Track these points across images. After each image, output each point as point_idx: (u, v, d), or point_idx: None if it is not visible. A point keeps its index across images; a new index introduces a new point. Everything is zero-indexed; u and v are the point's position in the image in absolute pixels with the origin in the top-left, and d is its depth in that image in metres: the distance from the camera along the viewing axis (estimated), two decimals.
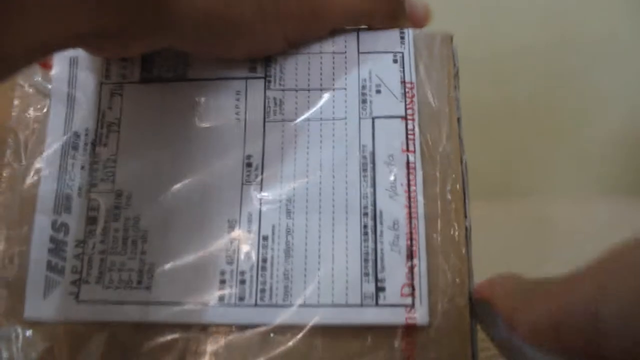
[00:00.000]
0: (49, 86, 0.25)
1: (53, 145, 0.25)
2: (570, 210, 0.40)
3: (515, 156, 0.51)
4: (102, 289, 0.23)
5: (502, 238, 0.38)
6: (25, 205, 0.24)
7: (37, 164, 0.25)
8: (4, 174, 0.25)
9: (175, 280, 0.23)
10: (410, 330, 0.21)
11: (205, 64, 0.25)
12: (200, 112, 0.25)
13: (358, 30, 0.25)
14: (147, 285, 0.23)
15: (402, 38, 0.25)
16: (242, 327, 0.22)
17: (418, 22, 0.25)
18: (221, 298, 0.22)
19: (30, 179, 0.25)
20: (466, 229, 0.23)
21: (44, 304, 0.23)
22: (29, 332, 0.23)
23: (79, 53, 0.26)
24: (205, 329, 0.22)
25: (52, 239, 0.24)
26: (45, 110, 0.25)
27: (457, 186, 0.23)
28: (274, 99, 0.25)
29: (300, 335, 0.22)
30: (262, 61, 0.25)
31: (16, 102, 0.25)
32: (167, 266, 0.23)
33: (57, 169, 0.24)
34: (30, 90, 0.26)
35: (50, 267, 0.23)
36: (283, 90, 0.25)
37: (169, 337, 0.22)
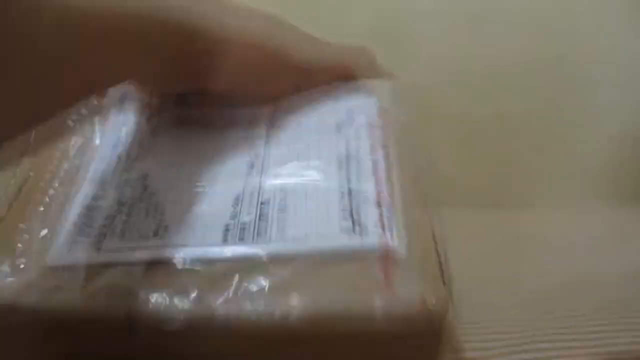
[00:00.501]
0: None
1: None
2: (564, 222, 0.40)
3: (508, 168, 0.50)
4: (121, 241, 0.27)
5: (495, 248, 0.38)
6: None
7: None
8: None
9: (185, 232, 0.28)
10: (385, 253, 0.26)
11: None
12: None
13: None
14: (161, 236, 0.27)
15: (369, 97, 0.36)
16: (239, 259, 0.26)
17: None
18: (225, 239, 0.27)
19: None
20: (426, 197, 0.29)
21: (67, 256, 0.27)
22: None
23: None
24: (207, 262, 0.26)
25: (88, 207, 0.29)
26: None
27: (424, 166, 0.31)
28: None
29: (296, 263, 0.26)
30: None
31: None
32: (179, 224, 0.28)
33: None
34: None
35: (80, 230, 0.28)
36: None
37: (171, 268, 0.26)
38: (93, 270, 0.26)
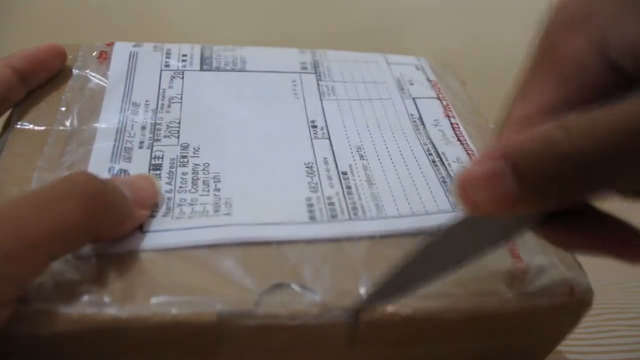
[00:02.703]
0: (105, 69, 0.26)
1: (109, 112, 0.24)
2: None
3: None
4: (172, 219, 0.21)
5: None
6: (78, 156, 0.22)
7: (91, 125, 0.24)
8: (53, 134, 0.23)
9: (258, 207, 0.21)
10: None
11: (260, 61, 0.28)
12: (260, 91, 0.27)
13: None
14: (226, 212, 0.21)
15: (418, 60, 0.31)
16: (337, 240, 0.21)
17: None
18: (312, 217, 0.21)
19: (82, 140, 0.23)
20: None
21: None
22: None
23: (139, 49, 0.27)
24: (297, 243, 0.20)
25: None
26: (102, 86, 0.25)
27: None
28: (326, 86, 0.28)
29: (400, 242, 0.21)
30: (312, 63, 0.29)
31: (75, 80, 0.26)
32: (248, 199, 0.22)
33: (114, 129, 0.24)
34: (88, 69, 0.26)
35: None
36: (333, 81, 0.28)
37: (257, 252, 0.20)
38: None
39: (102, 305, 0.17)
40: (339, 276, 0.19)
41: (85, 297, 0.17)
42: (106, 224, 0.18)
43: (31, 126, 0.23)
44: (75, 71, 0.26)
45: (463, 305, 0.19)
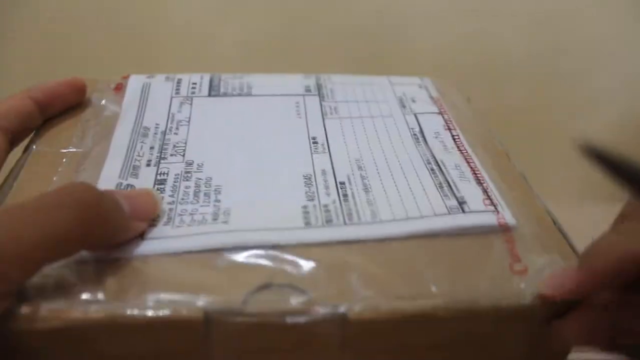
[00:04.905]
0: (120, 99, 0.28)
1: (121, 135, 0.26)
2: (559, 216, 0.39)
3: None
4: (172, 228, 0.21)
5: None
6: (89, 173, 0.24)
7: (104, 146, 0.25)
8: (67, 155, 0.25)
9: (255, 215, 0.22)
10: (504, 229, 0.22)
11: (266, 86, 0.30)
12: (264, 112, 0.28)
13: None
14: (224, 220, 0.22)
15: (421, 80, 0.32)
16: (330, 244, 0.21)
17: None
18: (307, 223, 0.22)
19: (94, 159, 0.25)
20: (519, 172, 0.25)
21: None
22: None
23: (151, 80, 0.29)
24: (289, 247, 0.21)
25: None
26: (116, 114, 0.27)
27: (499, 147, 0.27)
28: (329, 106, 0.29)
29: (399, 244, 0.21)
30: (315, 86, 0.30)
31: (92, 107, 0.28)
32: (245, 208, 0.22)
33: (124, 149, 0.25)
34: (104, 99, 0.28)
35: None
36: (335, 102, 0.29)
37: (251, 255, 0.20)
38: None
39: (94, 303, 0.18)
40: (331, 278, 0.19)
41: (79, 296, 0.18)
42: (100, 234, 0.19)
43: (48, 149, 0.25)
44: (92, 101, 0.28)
45: (457, 306, 0.19)
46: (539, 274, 0.20)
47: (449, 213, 0.22)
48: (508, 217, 0.22)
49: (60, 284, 0.18)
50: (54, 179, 0.23)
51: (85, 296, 0.18)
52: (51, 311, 0.17)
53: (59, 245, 0.17)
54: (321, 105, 0.29)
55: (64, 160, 0.24)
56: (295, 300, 0.18)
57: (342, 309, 0.18)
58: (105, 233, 0.19)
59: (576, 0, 0.54)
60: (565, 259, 0.21)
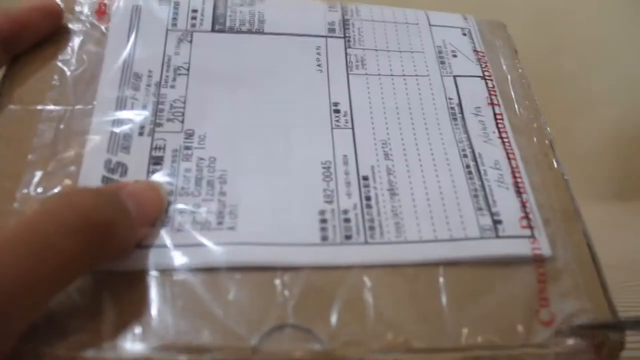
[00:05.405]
0: (104, 28, 0.23)
1: (107, 88, 0.22)
2: None
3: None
4: (171, 231, 0.19)
5: None
6: (72, 145, 0.20)
7: (87, 106, 0.21)
8: (45, 115, 0.21)
9: (265, 221, 0.19)
10: (538, 262, 0.20)
11: (281, 20, 0.25)
12: (279, 62, 0.24)
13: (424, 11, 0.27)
14: (230, 225, 0.19)
15: (466, 19, 0.27)
16: (349, 267, 0.19)
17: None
18: (324, 237, 0.19)
19: (78, 119, 0.21)
20: (562, 174, 0.23)
21: None
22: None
23: (142, 2, 0.24)
24: (303, 270, 0.19)
25: (106, 180, 0.20)
26: (99, 50, 0.23)
27: (545, 141, 0.23)
28: (355, 55, 0.24)
29: (416, 273, 0.19)
30: (341, 23, 0.25)
31: (70, 41, 0.23)
32: (255, 207, 0.20)
33: (112, 110, 0.21)
34: (84, 28, 0.23)
35: None
36: (363, 49, 0.25)
37: (261, 279, 0.18)
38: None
39: (86, 348, 0.16)
40: (347, 319, 0.18)
41: (74, 335, 0.16)
42: (109, 253, 0.17)
43: (19, 106, 0.21)
44: (69, 33, 0.23)
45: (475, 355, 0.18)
46: (565, 324, 0.18)
47: (481, 237, 0.20)
48: (544, 247, 0.20)
49: (55, 312, 0.17)
50: (29, 157, 0.20)
51: (79, 336, 0.16)
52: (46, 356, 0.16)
53: (67, 275, 0.16)
54: (346, 53, 0.24)
55: (40, 126, 0.20)
56: (308, 349, 0.17)
57: None
58: (114, 252, 0.17)
59: (576, 0, 0.54)
60: (596, 306, 0.19)
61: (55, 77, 0.22)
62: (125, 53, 0.22)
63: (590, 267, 0.20)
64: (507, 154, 0.22)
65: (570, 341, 0.18)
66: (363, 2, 0.26)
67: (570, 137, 0.51)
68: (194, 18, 0.24)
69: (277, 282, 0.18)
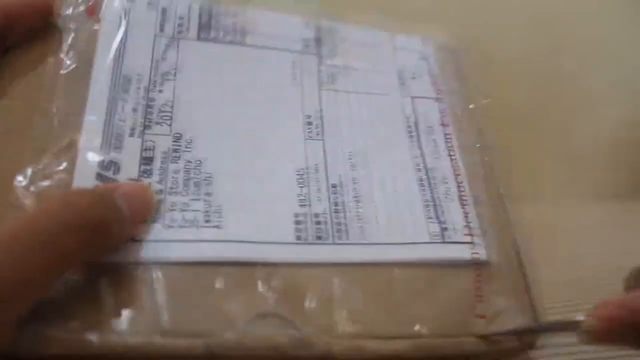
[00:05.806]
0: (95, 27, 0.24)
1: (98, 89, 0.23)
2: (560, 216, 0.38)
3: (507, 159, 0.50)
4: (163, 227, 0.21)
5: None
6: (65, 142, 0.22)
7: (79, 102, 0.23)
8: (38, 111, 0.22)
9: (247, 221, 0.22)
10: (476, 265, 0.23)
11: (262, 31, 0.27)
12: (258, 73, 0.26)
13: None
14: (216, 224, 0.21)
15: (425, 44, 0.30)
16: (319, 265, 0.22)
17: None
18: (298, 237, 0.22)
19: (71, 116, 0.22)
20: (498, 189, 0.27)
21: None
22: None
23: (131, 5, 0.25)
24: (280, 266, 0.21)
25: (100, 177, 0.21)
26: (90, 49, 0.24)
27: (486, 158, 0.27)
28: (327, 72, 0.27)
29: (376, 271, 0.22)
30: (315, 41, 0.28)
31: (61, 39, 0.24)
32: (238, 209, 0.22)
33: (104, 110, 0.23)
34: (75, 26, 0.24)
35: None
36: (334, 66, 0.27)
37: (244, 274, 0.21)
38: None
39: (86, 330, 0.18)
40: (320, 312, 0.20)
41: (75, 320, 0.18)
42: (103, 249, 0.19)
43: (10, 101, 0.22)
44: (60, 30, 0.24)
45: (424, 345, 0.21)
46: (496, 320, 0.22)
47: (431, 241, 0.23)
48: (482, 252, 0.24)
49: (52, 300, 0.18)
50: (23, 153, 0.21)
51: (75, 321, 0.18)
52: (43, 338, 0.18)
53: (64, 268, 0.17)
54: (319, 70, 0.27)
55: (33, 122, 0.21)
56: (287, 336, 0.20)
57: (329, 347, 0.20)
58: (108, 247, 0.19)
59: (576, 0, 0.53)
60: (521, 303, 0.23)
61: (48, 74, 0.23)
62: (115, 55, 0.24)
63: (518, 271, 0.24)
64: (454, 170, 0.26)
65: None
66: (352, 11, 0.29)
67: (570, 137, 0.50)
68: (180, 25, 0.26)
69: (258, 275, 0.21)
